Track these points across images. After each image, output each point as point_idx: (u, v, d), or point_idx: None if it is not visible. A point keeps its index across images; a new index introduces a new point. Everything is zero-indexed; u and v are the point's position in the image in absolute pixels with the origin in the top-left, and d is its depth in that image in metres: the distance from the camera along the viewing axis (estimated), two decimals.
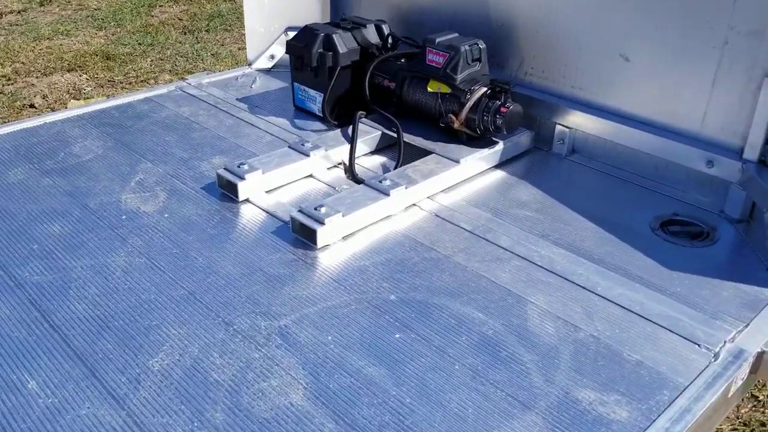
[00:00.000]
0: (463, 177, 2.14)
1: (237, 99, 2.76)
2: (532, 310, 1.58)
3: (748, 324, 1.53)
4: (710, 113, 1.98)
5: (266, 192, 2.07)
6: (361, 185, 1.99)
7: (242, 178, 2.02)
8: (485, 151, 2.19)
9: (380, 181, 1.97)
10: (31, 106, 5.02)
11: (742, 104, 1.88)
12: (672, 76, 2.03)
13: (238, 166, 2.05)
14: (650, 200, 2.05)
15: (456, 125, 2.18)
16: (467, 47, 2.19)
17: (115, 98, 2.77)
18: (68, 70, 5.66)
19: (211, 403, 1.32)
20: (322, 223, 1.80)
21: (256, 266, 1.73)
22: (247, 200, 2.03)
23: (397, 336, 1.50)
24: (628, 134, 2.13)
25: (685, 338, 1.49)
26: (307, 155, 2.16)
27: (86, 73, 5.54)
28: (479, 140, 2.22)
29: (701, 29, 1.93)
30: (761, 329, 1.52)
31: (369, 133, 2.32)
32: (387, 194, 1.94)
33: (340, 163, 2.23)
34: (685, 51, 1.98)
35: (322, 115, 2.49)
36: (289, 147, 2.20)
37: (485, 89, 2.17)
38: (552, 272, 1.71)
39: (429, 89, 2.26)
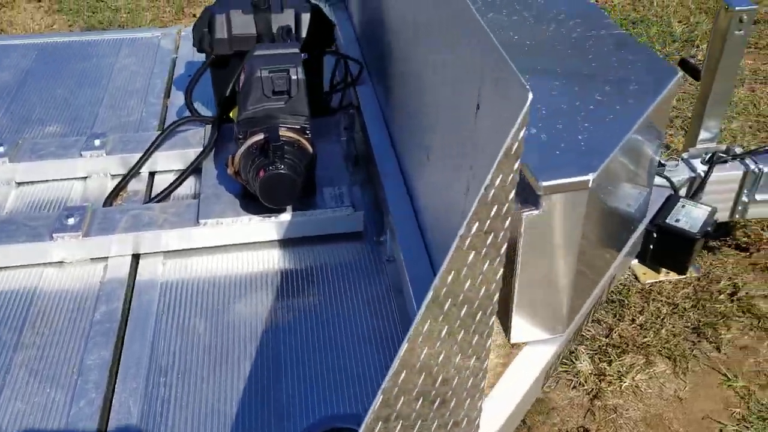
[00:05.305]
0: (188, 244, 1.57)
1: (187, 61, 2.43)
2: None
3: None
4: None
5: (16, 183, 1.79)
6: (55, 214, 1.58)
7: None
8: (254, 219, 1.58)
9: (66, 218, 1.54)
10: None
11: None
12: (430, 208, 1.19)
13: None
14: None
15: (229, 171, 1.60)
16: (266, 73, 1.55)
17: (90, 33, 2.66)
18: None
19: None
20: None
21: None
22: None
23: None
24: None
25: None
26: (80, 155, 1.79)
27: None
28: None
29: (455, 149, 1.06)
30: None
31: (191, 147, 1.84)
32: (51, 238, 1.52)
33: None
34: (443, 182, 1.13)
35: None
36: (86, 139, 1.85)
37: (263, 137, 1.53)
38: None
39: (231, 115, 1.68)
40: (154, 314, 1.42)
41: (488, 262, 0.82)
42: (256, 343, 1.36)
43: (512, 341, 1.43)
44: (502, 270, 0.88)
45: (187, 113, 1.95)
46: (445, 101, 1.19)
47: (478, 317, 0.86)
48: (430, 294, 0.71)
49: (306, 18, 1.92)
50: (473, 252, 0.77)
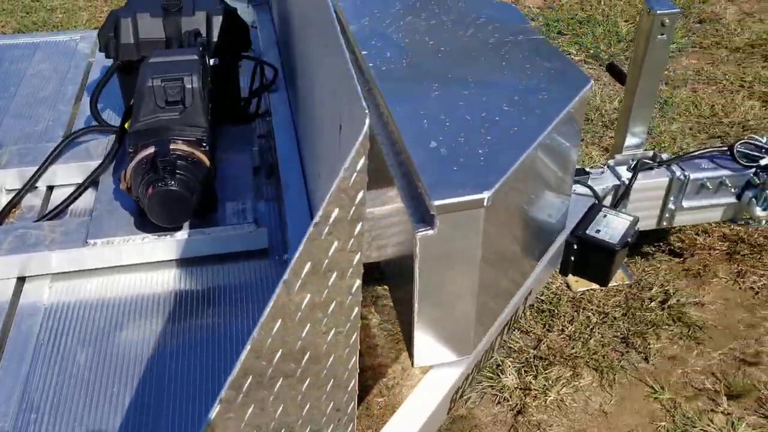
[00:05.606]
0: (76, 266, 1.47)
1: (104, 65, 2.31)
2: None
3: None
4: None
5: None
6: None
7: None
8: (148, 238, 1.49)
9: None
10: None
11: None
12: None
13: None
14: None
15: (122, 186, 1.50)
16: (158, 83, 1.46)
17: (3, 37, 2.54)
18: None
19: None
20: None
21: None
22: None
23: None
24: None
25: None
26: None
27: None
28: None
29: (332, 170, 0.99)
30: None
31: (93, 158, 1.73)
32: None
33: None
34: None
35: None
36: None
37: (153, 150, 1.44)
38: None
39: (126, 126, 1.59)
40: (33, 343, 1.32)
41: (334, 304, 0.75)
42: (140, 373, 1.27)
43: (415, 365, 1.36)
44: (357, 309, 0.80)
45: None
46: (327, 116, 1.12)
47: (330, 361, 0.79)
48: (248, 347, 0.63)
49: (218, 21, 1.83)
50: (308, 296, 0.70)
